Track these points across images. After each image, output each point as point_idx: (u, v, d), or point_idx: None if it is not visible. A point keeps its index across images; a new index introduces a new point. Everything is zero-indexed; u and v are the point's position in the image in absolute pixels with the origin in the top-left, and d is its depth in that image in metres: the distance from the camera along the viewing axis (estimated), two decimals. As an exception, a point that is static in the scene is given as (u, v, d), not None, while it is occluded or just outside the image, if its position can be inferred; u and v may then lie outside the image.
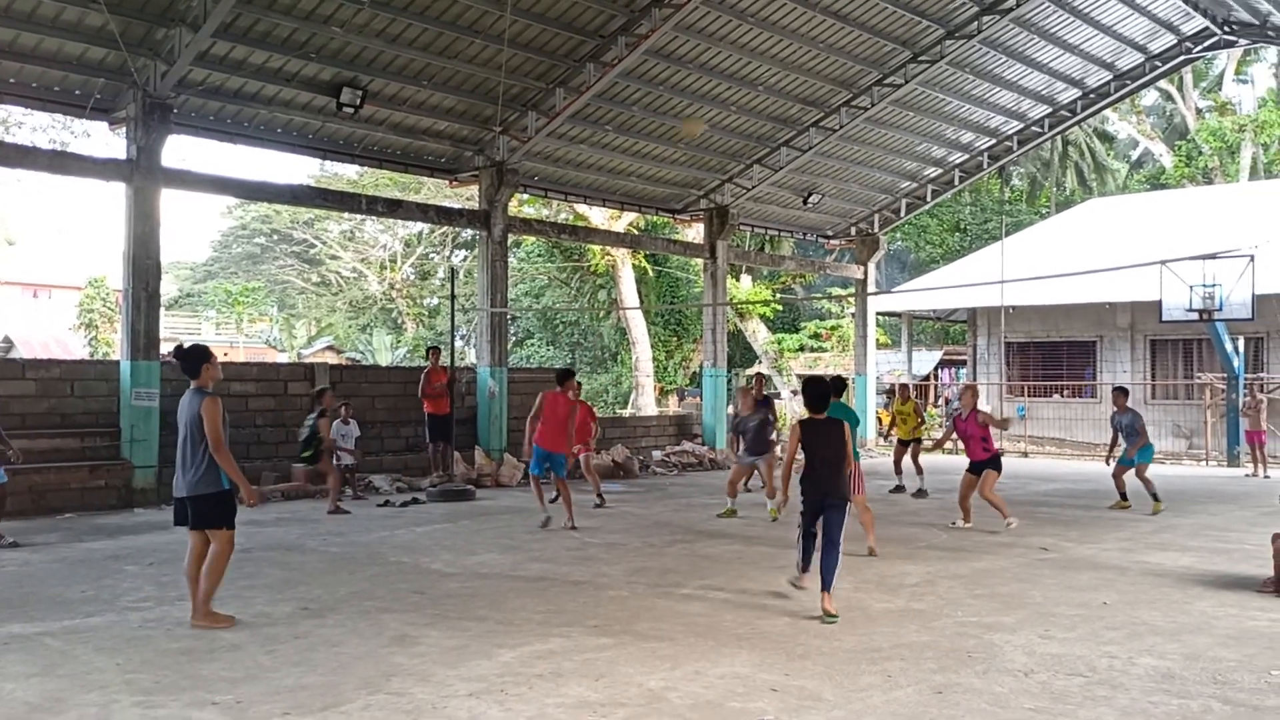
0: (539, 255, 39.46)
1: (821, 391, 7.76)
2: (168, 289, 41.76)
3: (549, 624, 7.01)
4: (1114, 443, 14.07)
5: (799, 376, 15.15)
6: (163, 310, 14.94)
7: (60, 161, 14.38)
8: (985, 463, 11.85)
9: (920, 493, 15.16)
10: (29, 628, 6.90)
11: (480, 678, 5.72)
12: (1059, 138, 34.74)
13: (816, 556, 7.54)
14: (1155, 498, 13.39)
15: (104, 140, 33.64)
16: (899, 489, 15.76)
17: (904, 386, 17.36)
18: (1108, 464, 14.29)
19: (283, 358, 42.96)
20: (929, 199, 26.31)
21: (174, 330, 43.20)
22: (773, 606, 7.60)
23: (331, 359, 39.85)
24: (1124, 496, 13.75)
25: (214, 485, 6.93)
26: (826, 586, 7.31)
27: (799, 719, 5.06)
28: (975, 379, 30.09)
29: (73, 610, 7.44)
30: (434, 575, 8.88)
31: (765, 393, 15.55)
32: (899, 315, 31.53)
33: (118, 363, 14.48)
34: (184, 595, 7.74)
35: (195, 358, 7.12)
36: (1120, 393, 14.10)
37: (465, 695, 5.41)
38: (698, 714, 5.12)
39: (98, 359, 30.77)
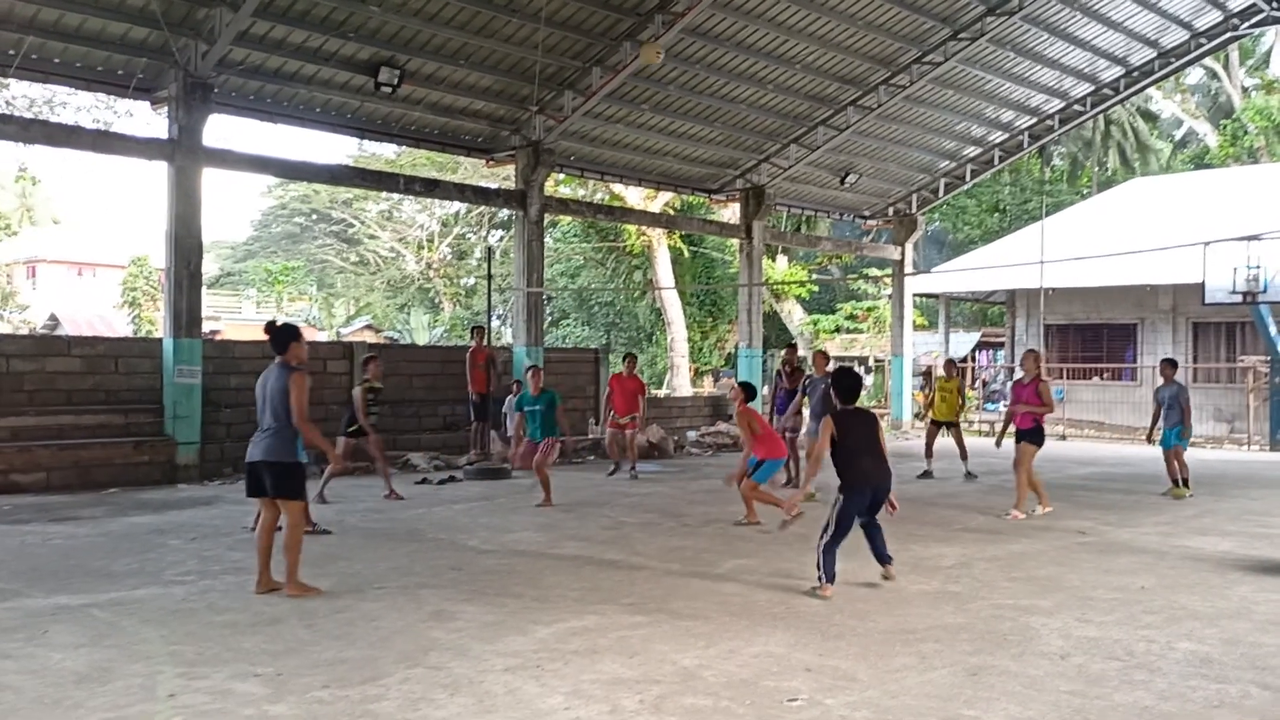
0: (575, 235, 39.50)
1: (853, 384, 7.64)
2: (209, 268, 42.07)
3: (584, 601, 7.06)
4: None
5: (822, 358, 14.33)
6: (204, 289, 15.11)
7: (104, 141, 14.57)
8: (1028, 433, 11.20)
9: (969, 475, 14.76)
10: (76, 599, 7.05)
11: (516, 653, 5.78)
12: (1101, 117, 34.17)
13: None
14: (1177, 483, 12.95)
15: (146, 120, 34.02)
16: (927, 474, 15.01)
17: (950, 362, 16.50)
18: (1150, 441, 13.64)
19: (322, 336, 43.35)
20: (968, 179, 26.03)
21: (215, 309, 43.71)
22: (807, 587, 7.59)
23: (370, 338, 40.19)
24: (1177, 482, 13.04)
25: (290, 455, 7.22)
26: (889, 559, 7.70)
27: (833, 699, 5.07)
28: (1014, 362, 29.82)
29: (118, 583, 7.59)
30: (471, 552, 8.96)
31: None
32: (936, 297, 31.25)
33: (161, 340, 14.71)
34: (226, 569, 7.89)
35: (284, 335, 7.34)
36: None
37: (502, 670, 5.47)
38: (731, 692, 5.14)
39: (141, 336, 31.21)
